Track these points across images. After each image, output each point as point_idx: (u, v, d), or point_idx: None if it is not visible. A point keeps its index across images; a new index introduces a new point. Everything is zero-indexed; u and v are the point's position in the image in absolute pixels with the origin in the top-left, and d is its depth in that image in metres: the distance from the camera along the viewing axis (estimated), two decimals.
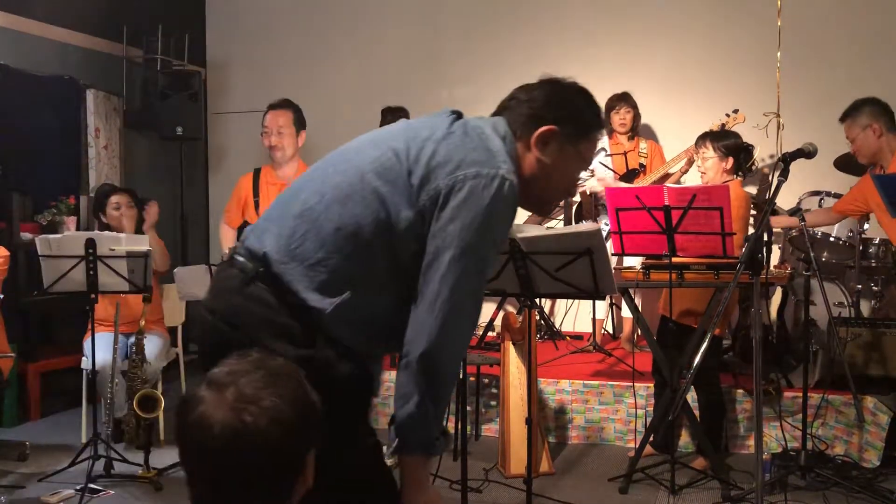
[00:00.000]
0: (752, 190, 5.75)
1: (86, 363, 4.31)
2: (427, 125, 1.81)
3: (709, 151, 3.94)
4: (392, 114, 5.61)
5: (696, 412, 4.08)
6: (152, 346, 4.36)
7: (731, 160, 3.92)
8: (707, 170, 3.96)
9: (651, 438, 3.95)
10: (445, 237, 1.64)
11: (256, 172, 4.53)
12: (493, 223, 1.66)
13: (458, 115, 1.83)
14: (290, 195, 1.81)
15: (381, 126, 5.59)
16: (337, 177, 1.76)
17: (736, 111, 5.12)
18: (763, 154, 5.78)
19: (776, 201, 2.92)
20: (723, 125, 5.06)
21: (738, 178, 4.01)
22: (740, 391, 4.32)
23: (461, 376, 3.02)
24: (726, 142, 3.96)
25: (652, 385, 4.34)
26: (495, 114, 1.86)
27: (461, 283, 1.63)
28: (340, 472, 1.65)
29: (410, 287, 1.69)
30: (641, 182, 5.26)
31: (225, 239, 4.59)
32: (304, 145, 7.02)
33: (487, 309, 6.06)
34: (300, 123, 4.47)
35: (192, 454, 1.22)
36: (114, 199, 4.60)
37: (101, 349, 4.02)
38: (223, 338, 1.71)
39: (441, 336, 1.63)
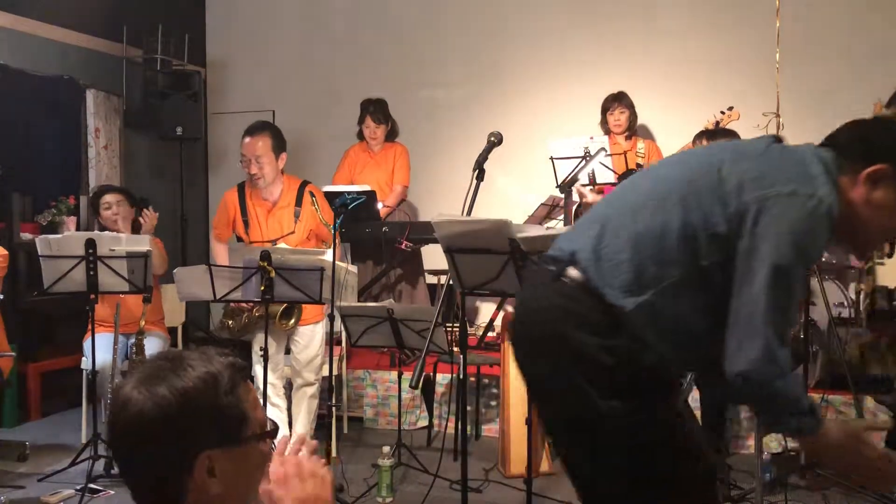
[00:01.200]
0: None
1: (86, 363, 4.31)
2: (745, 144, 1.86)
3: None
4: (373, 105, 5.61)
5: (697, 412, 4.08)
6: (152, 346, 4.35)
7: None
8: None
9: None
10: (757, 255, 1.66)
11: (241, 189, 4.21)
12: (806, 243, 1.66)
13: (778, 140, 1.85)
14: (604, 203, 1.94)
15: (360, 119, 5.64)
16: (649, 184, 1.86)
17: (731, 108, 5.11)
18: None
19: None
20: (717, 122, 5.06)
21: None
22: None
23: (461, 376, 3.01)
24: (722, 140, 3.95)
25: None
26: (822, 144, 1.84)
27: (774, 302, 1.65)
28: (644, 445, 1.77)
29: (716, 302, 1.72)
30: None
31: (218, 254, 4.29)
32: (303, 141, 7.03)
33: (487, 309, 6.06)
34: (279, 146, 4.15)
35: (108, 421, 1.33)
36: (105, 198, 4.56)
37: (101, 349, 4.02)
38: (529, 327, 1.88)
39: (759, 354, 1.64)
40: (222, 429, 1.27)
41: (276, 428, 1.42)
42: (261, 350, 3.77)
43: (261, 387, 3.83)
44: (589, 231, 1.84)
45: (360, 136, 5.76)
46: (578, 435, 1.86)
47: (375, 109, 5.59)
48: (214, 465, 1.26)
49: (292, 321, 4.06)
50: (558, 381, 1.81)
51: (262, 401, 3.80)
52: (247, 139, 4.06)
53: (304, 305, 4.01)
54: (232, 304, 4.10)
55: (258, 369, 3.86)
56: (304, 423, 4.13)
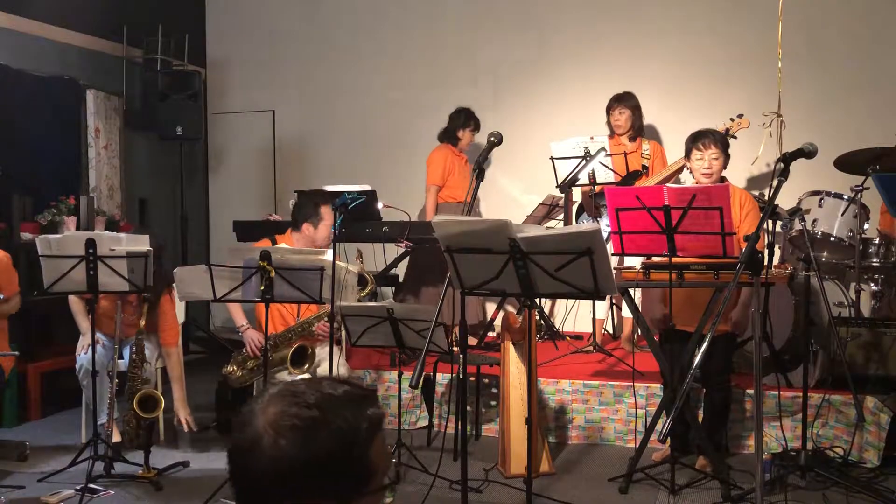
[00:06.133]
0: (755, 192, 5.76)
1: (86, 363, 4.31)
2: None
3: (717, 152, 3.84)
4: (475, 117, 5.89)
5: (697, 412, 4.08)
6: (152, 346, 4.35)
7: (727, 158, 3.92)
8: (716, 171, 3.85)
9: (668, 441, 3.83)
10: None
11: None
12: None
13: None
14: None
15: (464, 125, 5.86)
16: None
17: (740, 116, 5.09)
18: (767, 155, 5.77)
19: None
20: (727, 130, 5.03)
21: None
22: (738, 391, 4.32)
23: (461, 376, 3.01)
24: (725, 142, 3.93)
25: (651, 385, 4.34)
26: None
27: None
28: None
29: None
30: (643, 184, 5.25)
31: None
32: (302, 141, 7.01)
33: (487, 309, 6.06)
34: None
35: (231, 455, 1.20)
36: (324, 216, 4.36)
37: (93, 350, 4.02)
38: None
39: None
40: (345, 485, 1.18)
41: (396, 481, 1.32)
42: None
43: None
44: None
45: (452, 139, 5.86)
46: None
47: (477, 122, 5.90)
48: None
49: (307, 365, 4.08)
50: None
51: None
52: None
53: (314, 345, 4.16)
54: (247, 353, 4.23)
55: None
56: None
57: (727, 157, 3.88)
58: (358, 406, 1.20)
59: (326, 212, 4.31)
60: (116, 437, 4.21)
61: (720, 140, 3.87)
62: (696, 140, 3.87)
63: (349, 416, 1.18)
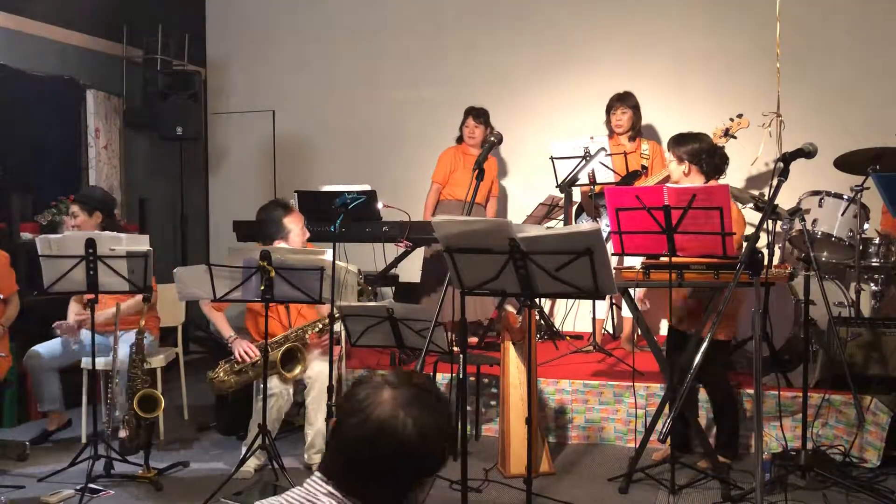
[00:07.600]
0: (754, 191, 5.76)
1: (86, 363, 4.31)
2: None
3: (668, 156, 3.94)
4: (476, 110, 5.82)
5: (700, 412, 4.08)
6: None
7: (688, 164, 3.84)
8: (671, 172, 3.95)
9: (668, 440, 3.82)
10: None
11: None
12: None
13: None
14: None
15: (463, 122, 5.86)
16: None
17: (740, 115, 5.08)
18: (767, 155, 5.77)
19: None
20: (726, 129, 5.02)
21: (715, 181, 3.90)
22: (738, 391, 4.32)
23: (461, 376, 3.01)
24: (685, 147, 3.87)
25: (651, 385, 4.34)
26: None
27: None
28: None
29: None
30: (643, 184, 5.24)
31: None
32: (302, 141, 6.99)
33: (487, 309, 6.06)
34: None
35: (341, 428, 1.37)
36: (71, 209, 4.57)
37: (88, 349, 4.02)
38: None
39: None
40: (436, 461, 1.38)
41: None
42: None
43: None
44: None
45: (460, 140, 5.90)
46: None
47: (479, 113, 5.81)
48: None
49: (297, 370, 4.06)
50: None
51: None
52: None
53: (306, 351, 4.14)
54: (235, 360, 4.14)
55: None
56: (322, 421, 4.09)
57: (693, 163, 3.83)
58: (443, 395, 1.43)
59: (290, 221, 4.24)
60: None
61: (679, 147, 3.85)
62: None
63: (446, 400, 1.41)
